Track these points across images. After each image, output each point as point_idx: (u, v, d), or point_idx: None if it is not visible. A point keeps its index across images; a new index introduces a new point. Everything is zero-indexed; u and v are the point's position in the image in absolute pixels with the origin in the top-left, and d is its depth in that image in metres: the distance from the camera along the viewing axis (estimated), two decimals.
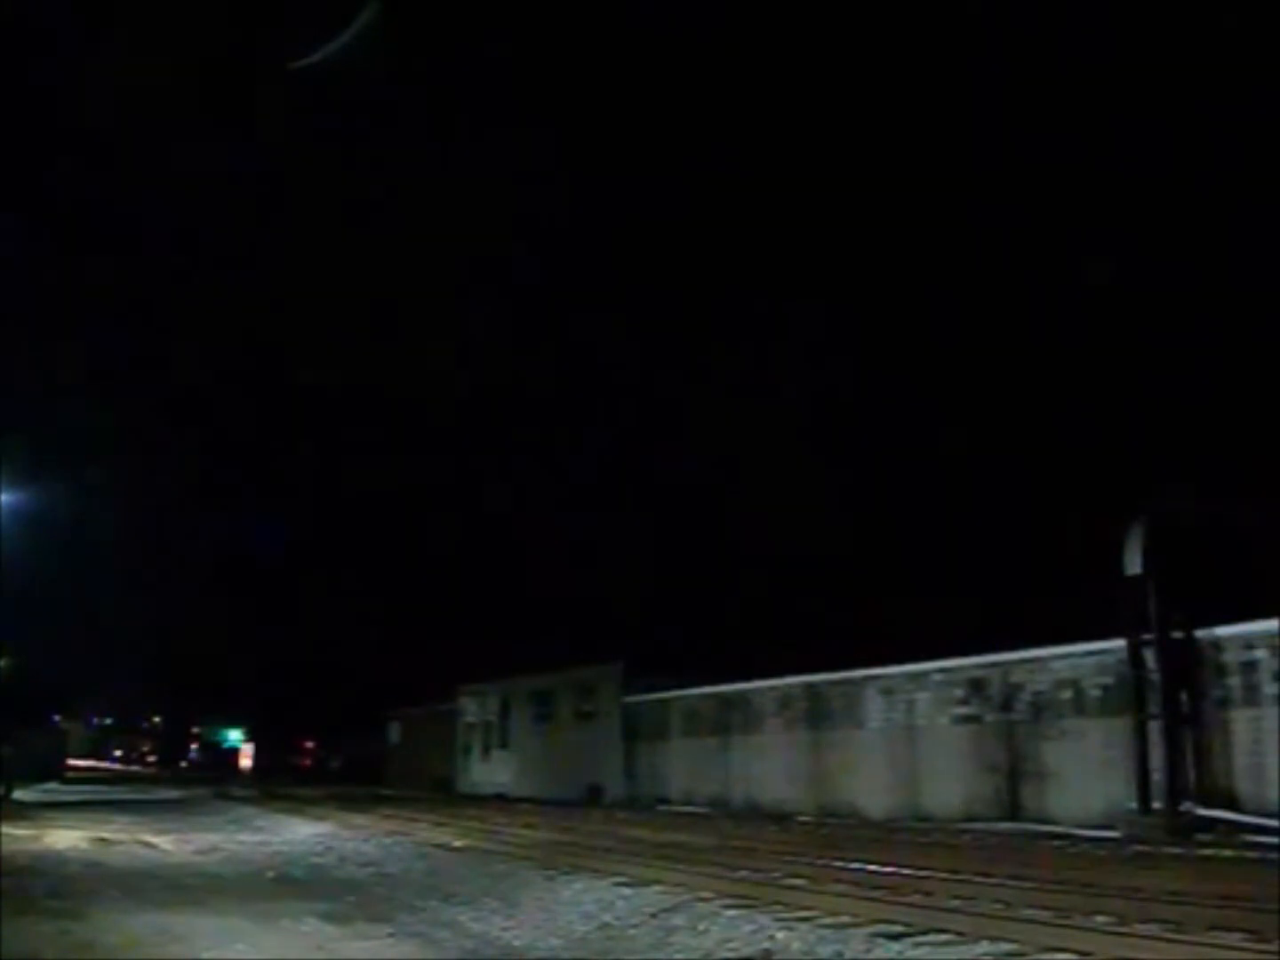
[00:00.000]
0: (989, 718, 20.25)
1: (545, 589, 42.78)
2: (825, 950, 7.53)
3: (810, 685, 24.58)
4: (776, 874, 11.25)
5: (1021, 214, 28.59)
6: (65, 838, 16.76)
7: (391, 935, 8.70)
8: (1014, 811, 19.29)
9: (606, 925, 8.93)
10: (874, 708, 22.77)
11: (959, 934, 7.61)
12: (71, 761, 59.54)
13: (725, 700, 27.34)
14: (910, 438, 31.64)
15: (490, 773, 38.71)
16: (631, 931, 8.67)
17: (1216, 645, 16.81)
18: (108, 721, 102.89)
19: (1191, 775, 16.54)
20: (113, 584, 60.52)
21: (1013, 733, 19.71)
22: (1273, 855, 12.64)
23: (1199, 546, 17.52)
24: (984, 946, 7.25)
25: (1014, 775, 19.52)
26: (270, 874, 12.87)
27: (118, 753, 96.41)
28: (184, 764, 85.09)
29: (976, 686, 20.62)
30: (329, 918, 9.38)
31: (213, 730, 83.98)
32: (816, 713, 24.34)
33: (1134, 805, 16.80)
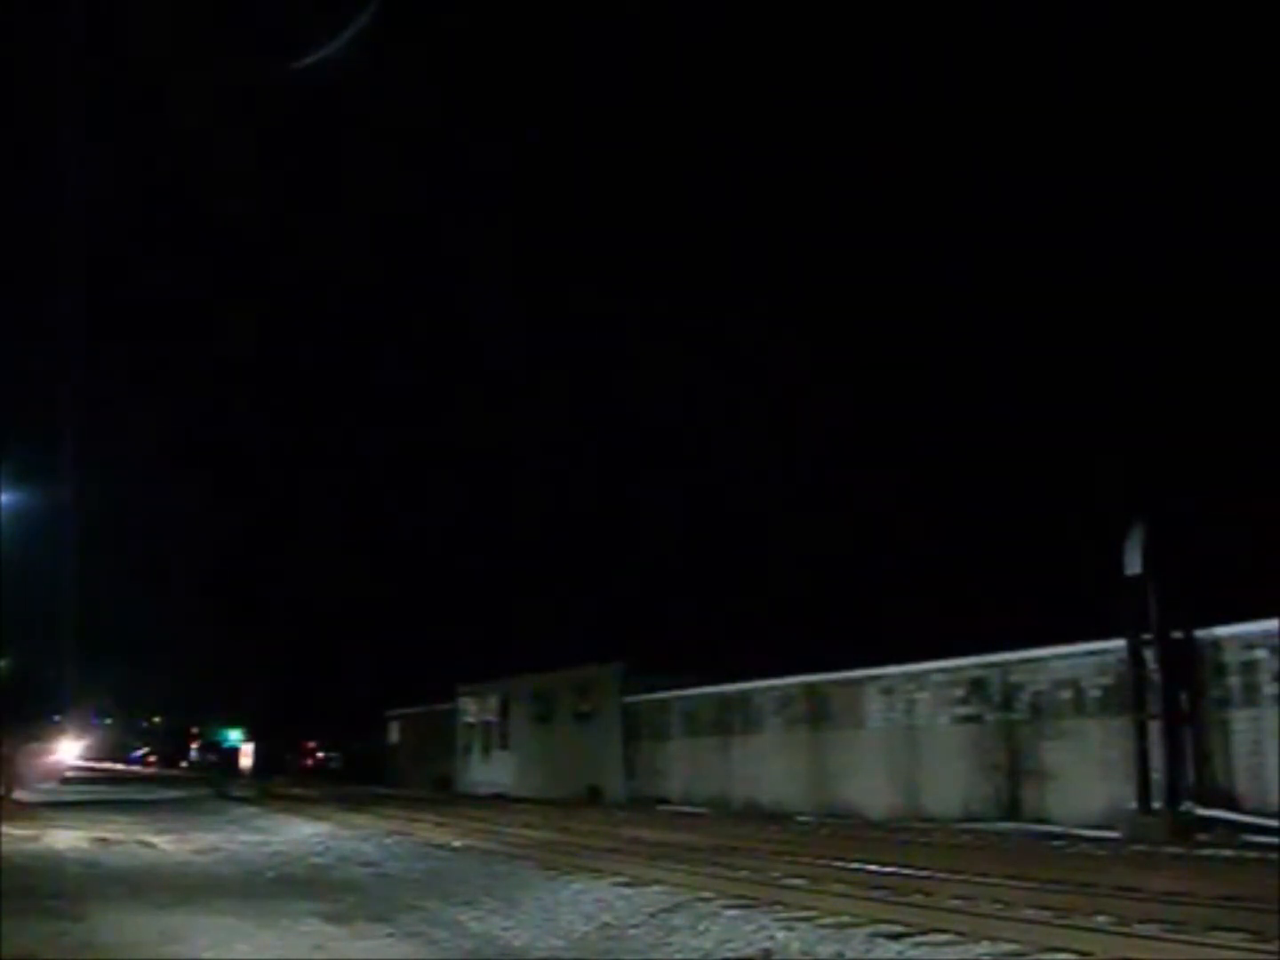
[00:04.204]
0: (989, 718, 20.24)
1: (546, 589, 42.80)
2: (825, 950, 7.53)
3: (810, 685, 24.57)
4: (776, 874, 11.24)
5: (1021, 213, 28.59)
6: (65, 838, 16.75)
7: (391, 935, 8.70)
8: (1014, 811, 19.28)
9: (606, 925, 8.93)
10: (874, 708, 22.75)
11: (959, 934, 7.61)
12: (72, 761, 59.47)
13: (725, 700, 27.33)
14: (910, 437, 31.63)
15: (490, 773, 38.69)
16: (631, 931, 8.66)
17: (1216, 645, 16.79)
18: (108, 721, 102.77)
19: (1191, 775, 16.53)
20: (114, 584, 60.52)
21: (1013, 733, 19.69)
22: (1273, 855, 12.62)
23: (1199, 546, 17.51)
24: (984, 946, 7.25)
25: (1014, 775, 19.51)
26: (270, 874, 12.87)
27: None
28: (184, 764, 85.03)
29: (976, 686, 20.61)
30: (329, 918, 9.38)
31: (213, 730, 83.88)
32: (816, 713, 24.33)
33: (1134, 805, 16.79)
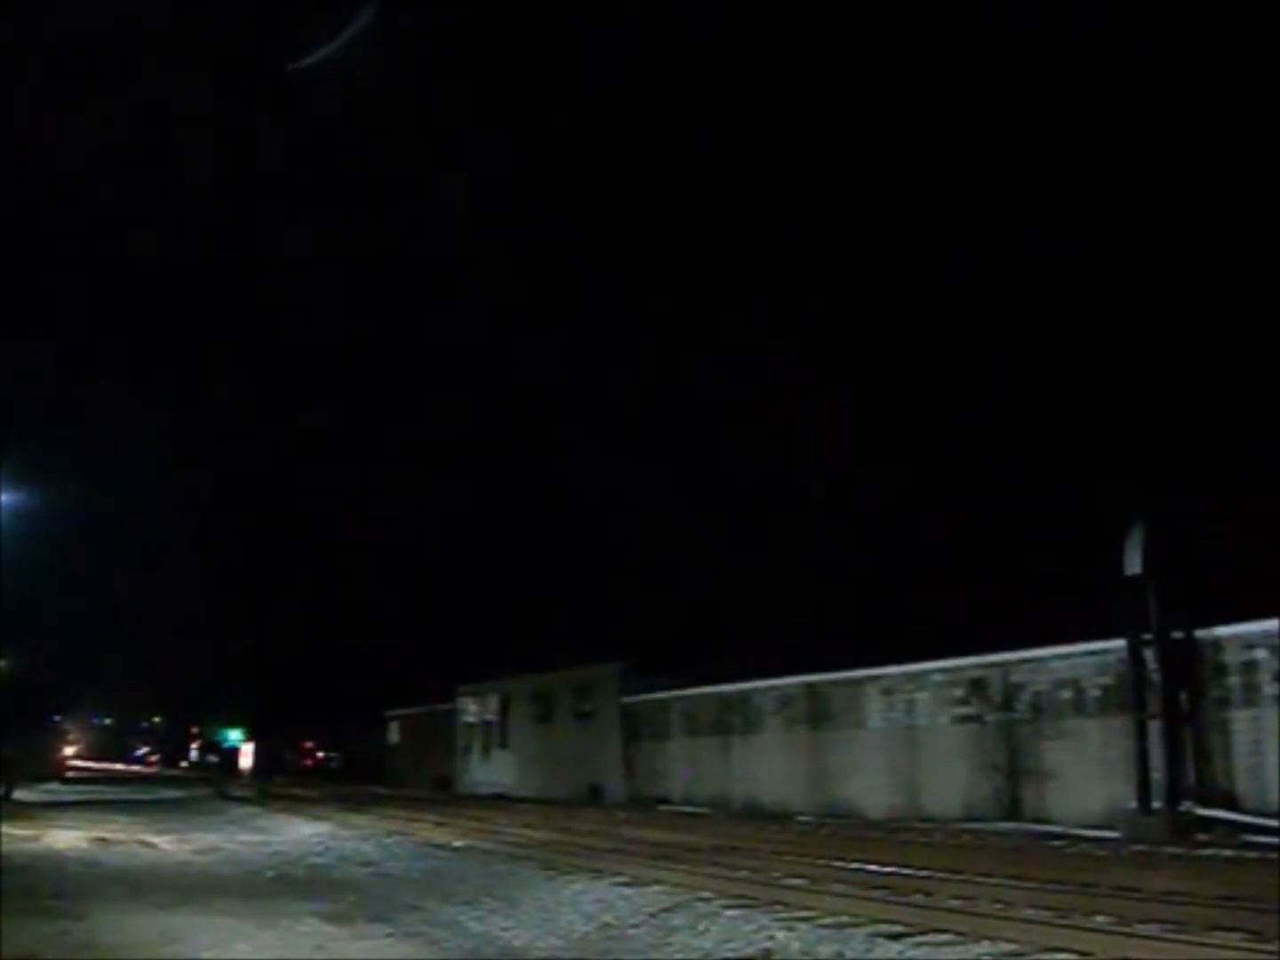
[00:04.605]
0: (989, 718, 20.24)
1: (546, 588, 42.78)
2: (825, 950, 7.53)
3: (810, 685, 24.58)
4: (776, 874, 11.25)
5: (1022, 211, 28.59)
6: (65, 838, 16.76)
7: (391, 935, 8.70)
8: (1014, 811, 19.28)
9: (606, 925, 8.93)
10: (874, 708, 22.76)
11: (959, 934, 7.61)
12: (72, 761, 59.50)
13: (725, 700, 27.34)
14: (911, 436, 31.63)
15: (490, 773, 38.71)
16: (631, 931, 8.67)
17: (1216, 645, 16.80)
18: (107, 721, 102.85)
19: (1191, 775, 16.53)
20: (114, 584, 60.56)
21: (1013, 733, 19.70)
22: (1273, 855, 12.63)
23: (1199, 546, 17.52)
24: (984, 946, 7.25)
25: (1014, 775, 19.51)
26: (270, 874, 12.88)
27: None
28: (184, 764, 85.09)
29: (976, 686, 20.61)
30: (329, 918, 9.38)
31: (213, 730, 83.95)
32: (816, 713, 24.34)
33: (1134, 805, 16.79)
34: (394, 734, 49.82)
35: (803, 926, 8.17)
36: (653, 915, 9.05)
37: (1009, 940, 7.29)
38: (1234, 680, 16.49)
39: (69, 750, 59.50)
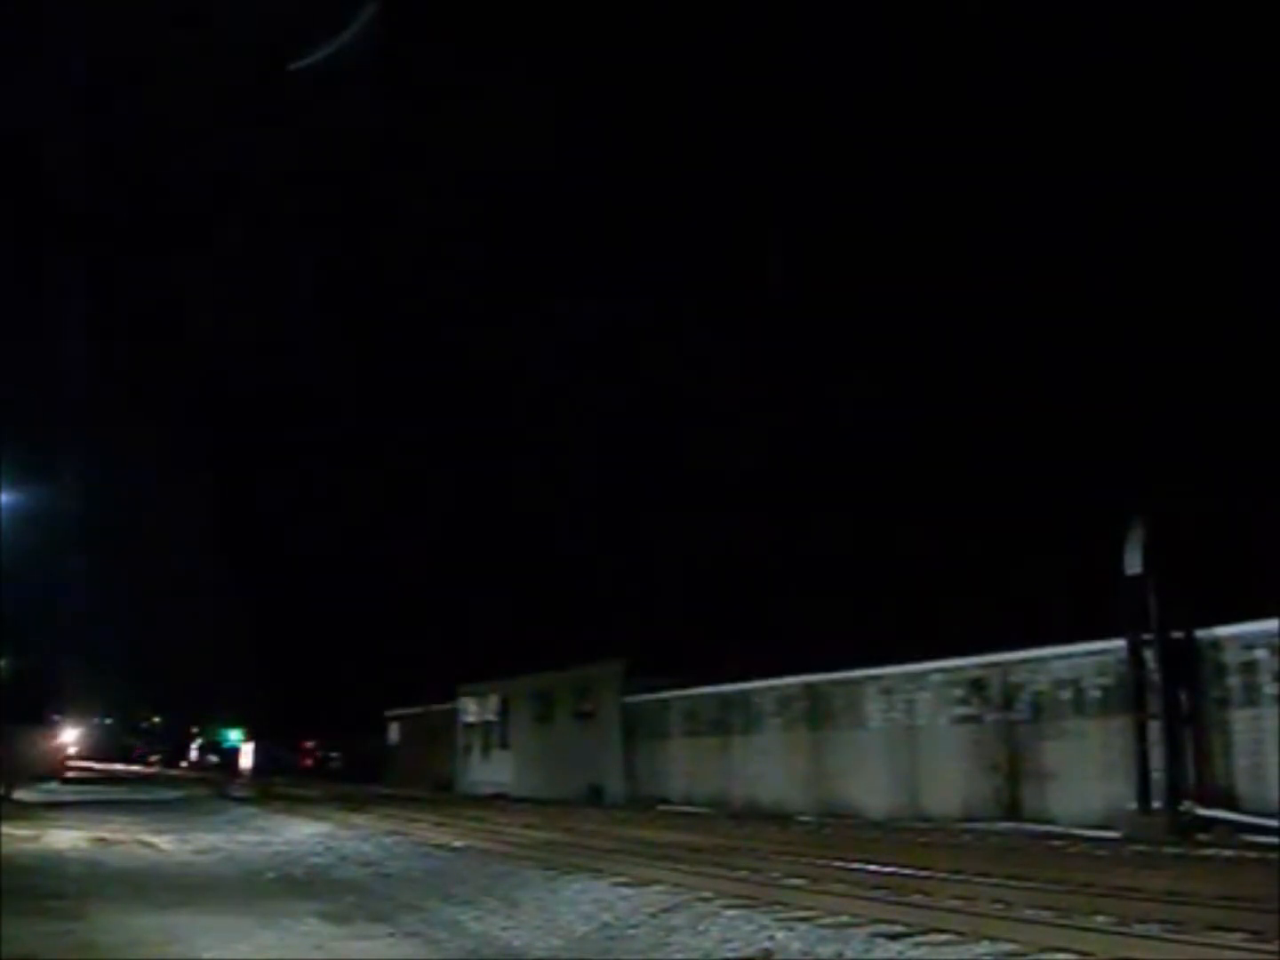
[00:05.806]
0: (989, 718, 20.24)
1: (546, 588, 42.78)
2: (825, 950, 7.53)
3: (810, 685, 24.58)
4: (776, 874, 11.25)
5: (1020, 211, 28.59)
6: (65, 838, 16.76)
7: (391, 935, 8.71)
8: (1014, 811, 19.28)
9: (606, 925, 8.93)
10: (874, 708, 22.76)
11: (959, 934, 7.61)
12: (72, 761, 59.47)
13: (725, 700, 27.34)
14: (910, 436, 31.63)
15: (490, 773, 38.71)
16: (631, 931, 8.67)
17: (1216, 645, 16.80)
18: (107, 721, 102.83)
19: (1191, 775, 16.54)
20: (114, 584, 60.56)
21: (1013, 733, 19.70)
22: (1273, 855, 12.63)
23: (1199, 546, 17.52)
24: (984, 946, 7.26)
25: (1014, 775, 19.51)
26: (270, 874, 12.88)
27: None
28: (184, 764, 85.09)
29: (976, 686, 20.61)
30: (329, 918, 9.39)
31: (213, 730, 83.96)
32: (816, 713, 24.34)
33: (1134, 805, 16.80)
34: (394, 734, 49.82)
35: (803, 926, 8.17)
36: (653, 915, 9.05)
37: (1009, 940, 7.29)
38: (1234, 680, 16.49)
39: (69, 750, 59.48)
